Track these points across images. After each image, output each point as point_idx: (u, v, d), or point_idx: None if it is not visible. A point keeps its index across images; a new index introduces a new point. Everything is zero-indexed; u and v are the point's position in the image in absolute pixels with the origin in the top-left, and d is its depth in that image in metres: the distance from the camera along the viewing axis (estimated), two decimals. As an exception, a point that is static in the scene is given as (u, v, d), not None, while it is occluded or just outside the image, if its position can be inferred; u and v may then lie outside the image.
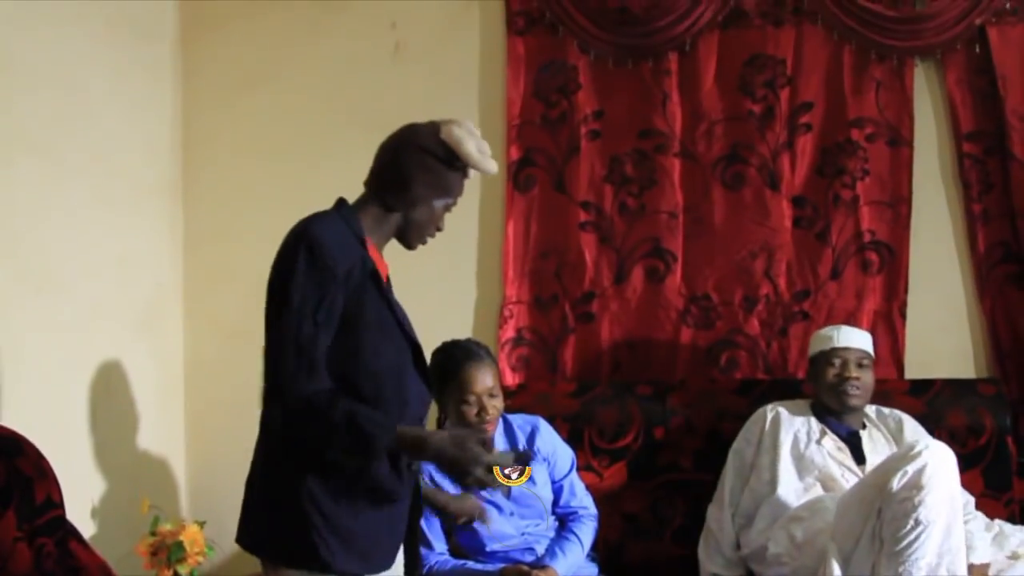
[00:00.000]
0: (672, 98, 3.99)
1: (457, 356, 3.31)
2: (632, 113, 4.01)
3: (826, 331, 3.59)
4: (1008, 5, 3.81)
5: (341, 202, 2.56)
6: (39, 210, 3.32)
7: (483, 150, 2.56)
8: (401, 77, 4.10)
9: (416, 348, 2.55)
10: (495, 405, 3.27)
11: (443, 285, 3.98)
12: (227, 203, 4.15)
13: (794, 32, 3.95)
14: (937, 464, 2.90)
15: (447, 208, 2.60)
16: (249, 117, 4.17)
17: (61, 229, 3.43)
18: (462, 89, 4.08)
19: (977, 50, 3.84)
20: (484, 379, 3.27)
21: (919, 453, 2.91)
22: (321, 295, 2.37)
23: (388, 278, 2.59)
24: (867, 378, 3.49)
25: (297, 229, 2.45)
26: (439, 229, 2.62)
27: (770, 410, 3.55)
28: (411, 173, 2.52)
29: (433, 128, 2.55)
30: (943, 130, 3.93)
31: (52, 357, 3.36)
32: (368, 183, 2.58)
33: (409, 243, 2.62)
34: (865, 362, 3.50)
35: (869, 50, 3.89)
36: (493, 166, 2.59)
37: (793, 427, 3.49)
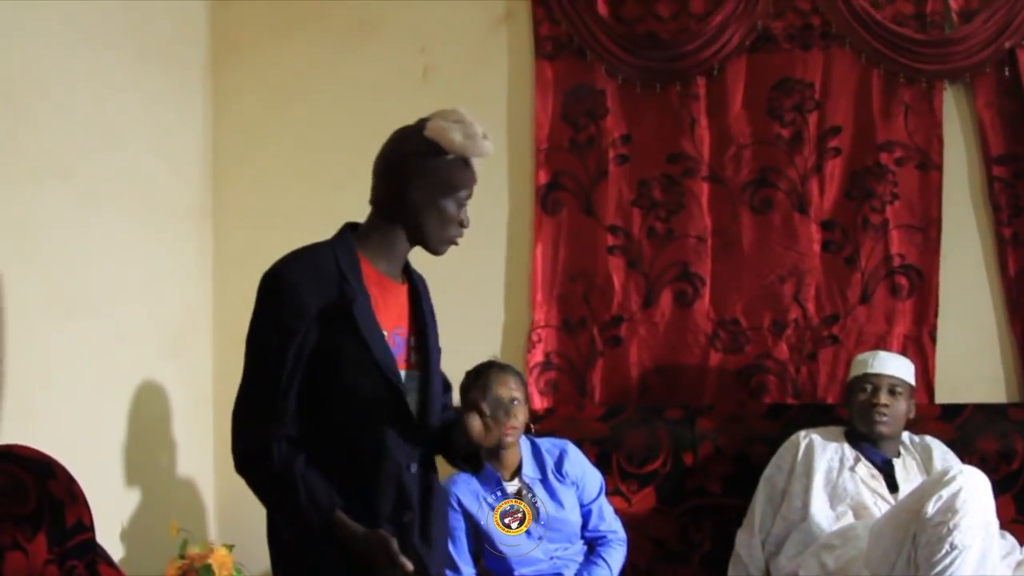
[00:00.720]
0: (700, 122, 3.98)
1: (483, 367, 3.35)
2: (660, 137, 4.01)
3: (863, 356, 3.58)
4: (1038, 28, 3.80)
5: (344, 229, 2.49)
6: (70, 234, 3.33)
7: (471, 134, 2.40)
8: (430, 101, 4.04)
9: (399, 394, 2.38)
10: (516, 414, 3.27)
11: (471, 309, 3.97)
12: (256, 226, 4.15)
13: (822, 56, 3.95)
14: (971, 489, 2.88)
15: (460, 202, 2.45)
16: (279, 141, 4.19)
17: (92, 253, 3.44)
18: (490, 113, 4.06)
19: (1007, 73, 3.83)
20: (506, 384, 3.29)
21: (953, 478, 2.90)
22: (287, 338, 2.30)
23: (413, 297, 2.52)
24: (898, 406, 3.46)
25: (267, 271, 2.40)
26: (463, 226, 2.47)
27: (803, 437, 3.53)
28: (403, 181, 2.41)
29: (418, 127, 2.44)
30: (972, 153, 3.91)
31: (82, 380, 3.37)
32: (371, 202, 2.50)
33: (432, 249, 2.48)
34: (898, 390, 3.47)
35: (898, 74, 3.89)
36: (486, 148, 2.42)
37: (826, 454, 3.46)
